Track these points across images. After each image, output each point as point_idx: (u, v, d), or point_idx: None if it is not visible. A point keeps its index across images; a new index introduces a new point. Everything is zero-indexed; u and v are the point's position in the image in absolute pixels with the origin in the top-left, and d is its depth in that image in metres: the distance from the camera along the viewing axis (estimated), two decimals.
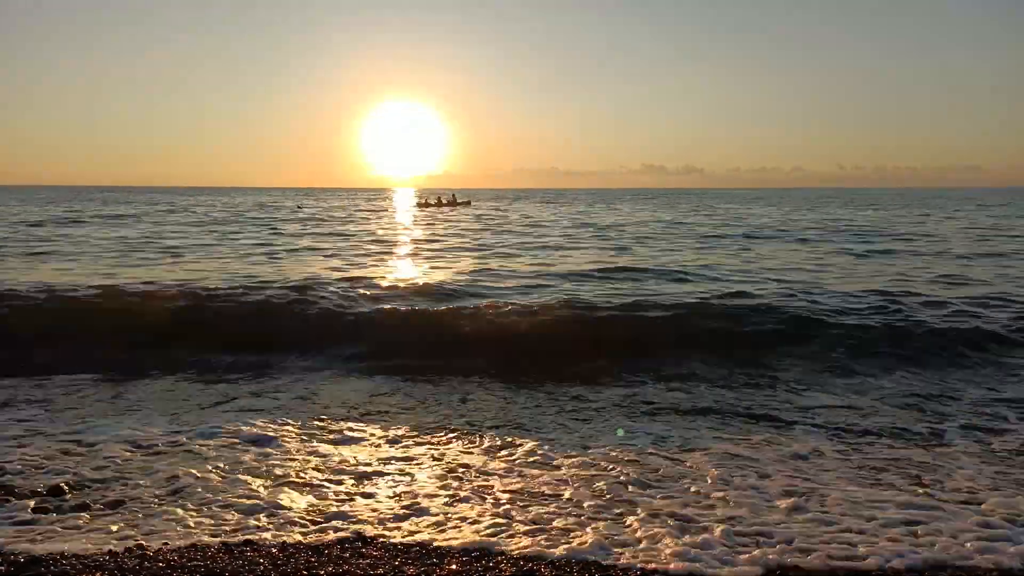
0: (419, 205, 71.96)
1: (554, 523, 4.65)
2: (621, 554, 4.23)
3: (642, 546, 4.33)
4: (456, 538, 4.47)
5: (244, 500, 5.05)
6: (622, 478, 5.38)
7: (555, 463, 5.72)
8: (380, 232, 31.49)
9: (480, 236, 29.29)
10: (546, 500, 5.02)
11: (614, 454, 5.92)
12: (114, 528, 4.62)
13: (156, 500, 5.05)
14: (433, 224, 38.46)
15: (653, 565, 4.12)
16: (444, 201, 72.24)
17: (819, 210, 57.87)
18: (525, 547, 4.33)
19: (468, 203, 74.82)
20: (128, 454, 5.93)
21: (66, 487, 5.16)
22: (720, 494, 5.05)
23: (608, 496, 5.07)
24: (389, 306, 11.70)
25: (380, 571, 3.99)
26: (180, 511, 4.87)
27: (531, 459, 5.87)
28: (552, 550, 4.27)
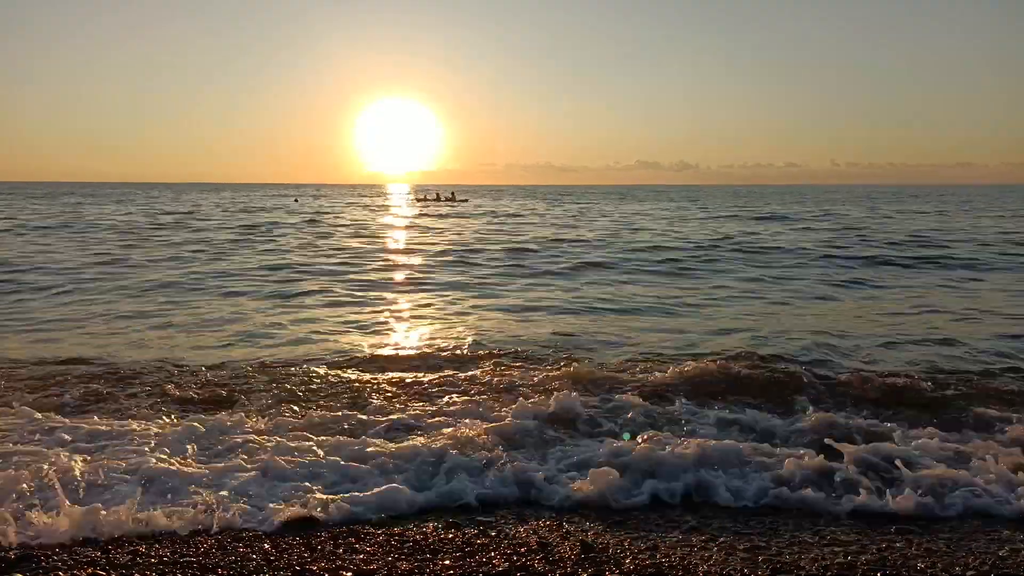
0: (416, 201, 72.26)
1: None
2: None
3: None
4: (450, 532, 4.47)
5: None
6: None
7: None
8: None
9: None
10: None
11: None
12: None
13: None
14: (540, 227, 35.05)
15: None
16: (443, 198, 72.55)
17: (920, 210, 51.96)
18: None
19: (466, 200, 75.19)
20: None
21: None
22: None
23: None
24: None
25: (374, 566, 3.98)
26: None
27: None
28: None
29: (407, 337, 10.60)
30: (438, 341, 10.09)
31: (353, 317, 12.12)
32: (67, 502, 4.52)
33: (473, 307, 13.15)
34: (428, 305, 13.56)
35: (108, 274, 16.78)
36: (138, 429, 6.03)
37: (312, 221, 39.78)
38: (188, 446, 5.71)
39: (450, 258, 21.33)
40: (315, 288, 15.16)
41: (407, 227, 36.67)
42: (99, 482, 4.93)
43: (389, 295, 14.76)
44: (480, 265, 19.72)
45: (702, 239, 26.90)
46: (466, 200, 76.33)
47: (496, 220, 42.86)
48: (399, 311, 12.96)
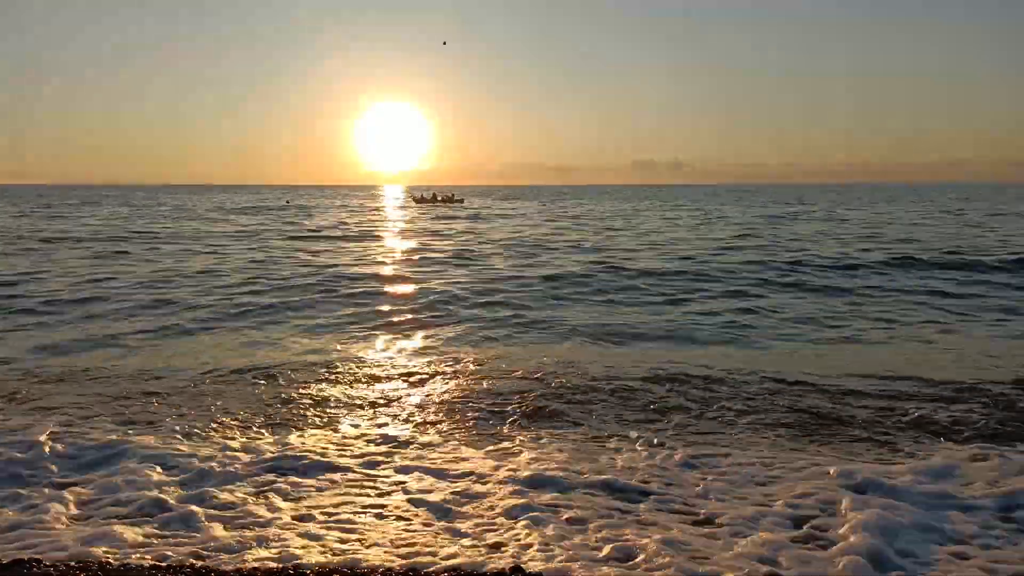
0: (416, 201, 72.37)
1: None
2: None
3: None
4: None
5: None
6: None
7: None
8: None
9: None
10: None
11: None
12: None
13: None
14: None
15: None
16: (439, 198, 72.85)
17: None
18: None
19: (462, 200, 75.48)
20: None
21: None
22: None
23: None
24: None
25: None
26: None
27: None
28: None
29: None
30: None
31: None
32: None
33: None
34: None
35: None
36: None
37: (312, 227, 37.28)
38: None
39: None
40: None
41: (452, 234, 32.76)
42: None
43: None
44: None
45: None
46: (462, 200, 76.52)
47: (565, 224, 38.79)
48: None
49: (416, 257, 22.38)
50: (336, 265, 19.86)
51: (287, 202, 75.52)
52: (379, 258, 22.27)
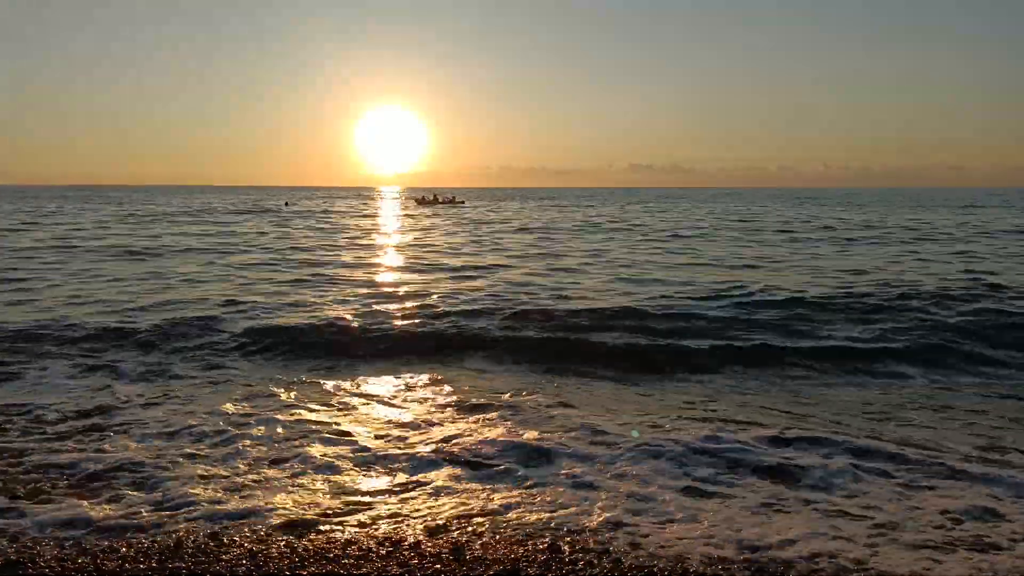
0: (418, 203, 72.69)
1: None
2: None
3: None
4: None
5: None
6: None
7: None
8: None
9: None
10: None
11: None
12: None
13: None
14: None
15: None
16: (441, 200, 73.59)
17: None
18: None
19: (463, 203, 76.36)
20: None
21: None
22: None
23: None
24: None
25: (364, 570, 3.87)
26: None
27: None
28: None
29: None
30: None
31: None
32: None
33: None
34: None
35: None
36: None
37: (318, 229, 34.26)
38: None
39: None
40: None
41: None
42: None
43: None
44: None
45: None
46: (463, 202, 77.39)
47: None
48: None
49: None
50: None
51: (285, 204, 74.85)
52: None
